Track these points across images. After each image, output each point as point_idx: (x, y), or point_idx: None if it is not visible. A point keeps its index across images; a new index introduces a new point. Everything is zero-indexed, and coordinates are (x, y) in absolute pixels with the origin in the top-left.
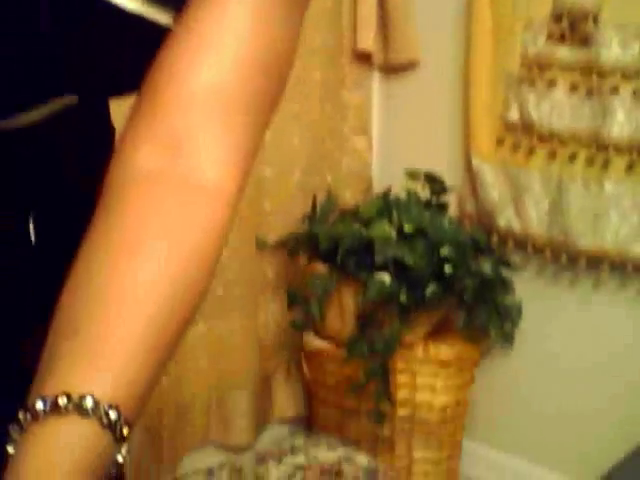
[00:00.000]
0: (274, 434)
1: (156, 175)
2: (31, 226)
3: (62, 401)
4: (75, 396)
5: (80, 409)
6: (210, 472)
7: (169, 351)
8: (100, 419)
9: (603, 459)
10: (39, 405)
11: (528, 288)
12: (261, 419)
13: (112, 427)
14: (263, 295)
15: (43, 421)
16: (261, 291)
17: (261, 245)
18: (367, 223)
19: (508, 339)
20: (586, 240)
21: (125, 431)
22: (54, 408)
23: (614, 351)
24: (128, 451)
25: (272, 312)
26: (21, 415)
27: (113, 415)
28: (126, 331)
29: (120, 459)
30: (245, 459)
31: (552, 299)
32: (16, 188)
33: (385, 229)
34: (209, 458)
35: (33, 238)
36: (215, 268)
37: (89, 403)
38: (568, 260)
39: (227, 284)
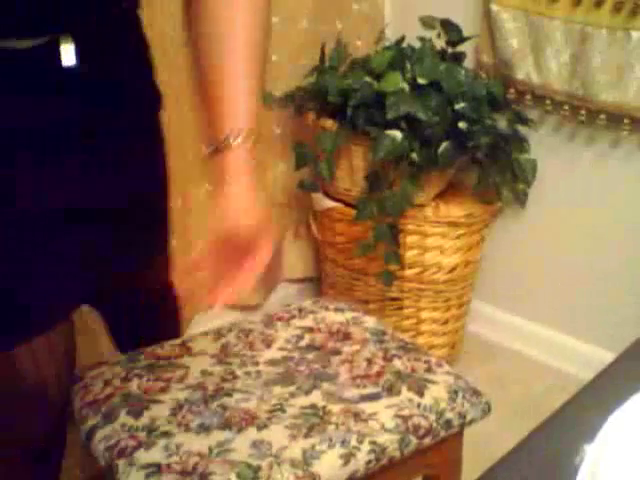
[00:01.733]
0: (284, 295)
1: None
2: (71, 48)
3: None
4: (239, 130)
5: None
6: (219, 333)
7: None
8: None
9: (614, 321)
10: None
11: (544, 146)
12: (271, 280)
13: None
14: (270, 154)
15: (225, 152)
16: (268, 149)
17: (268, 99)
18: (378, 75)
19: (521, 199)
20: (607, 94)
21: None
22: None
23: (631, 211)
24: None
25: (280, 172)
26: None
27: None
28: (250, 76)
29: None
30: (254, 321)
31: (568, 157)
32: (50, 10)
33: (397, 82)
34: (218, 319)
35: (74, 62)
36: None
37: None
38: (587, 116)
39: None
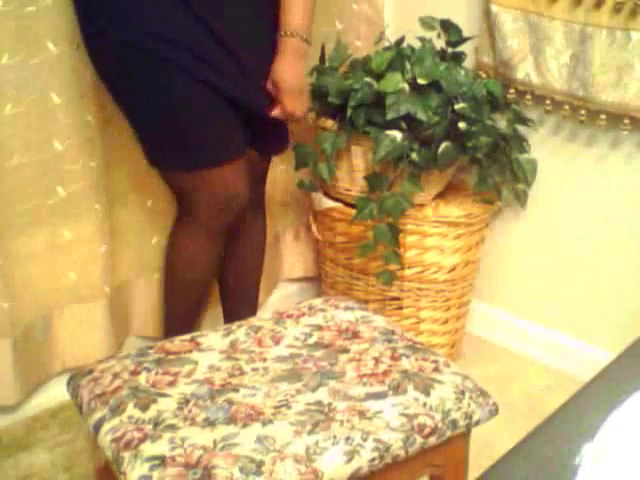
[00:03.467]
0: (284, 294)
1: None
2: None
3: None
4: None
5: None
6: (229, 329)
7: None
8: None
9: (614, 321)
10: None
11: (544, 146)
12: (271, 280)
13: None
14: None
15: (287, 37)
16: None
17: None
18: (378, 75)
19: (521, 199)
20: (607, 94)
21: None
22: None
23: (631, 211)
24: None
25: (280, 172)
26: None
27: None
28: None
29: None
30: (263, 318)
31: (568, 157)
32: None
33: (397, 82)
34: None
35: None
36: None
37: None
38: (587, 116)
39: None
